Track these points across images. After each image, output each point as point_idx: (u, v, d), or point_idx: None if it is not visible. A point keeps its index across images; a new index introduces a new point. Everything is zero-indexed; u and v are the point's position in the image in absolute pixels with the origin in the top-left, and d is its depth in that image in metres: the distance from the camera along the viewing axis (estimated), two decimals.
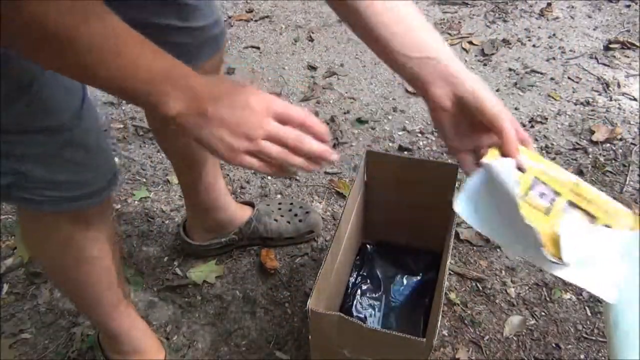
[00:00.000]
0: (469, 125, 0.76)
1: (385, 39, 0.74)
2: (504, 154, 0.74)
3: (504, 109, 0.74)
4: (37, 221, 0.88)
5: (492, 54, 2.14)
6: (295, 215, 1.44)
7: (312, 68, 2.09)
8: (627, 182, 1.60)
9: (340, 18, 0.84)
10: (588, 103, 1.90)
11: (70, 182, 0.77)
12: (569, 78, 2.01)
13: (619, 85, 1.96)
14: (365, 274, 1.32)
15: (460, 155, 0.80)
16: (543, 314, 1.30)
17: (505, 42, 2.20)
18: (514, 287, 1.35)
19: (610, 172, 1.64)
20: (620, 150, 1.71)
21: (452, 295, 1.33)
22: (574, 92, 1.95)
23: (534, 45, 2.18)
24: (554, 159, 1.69)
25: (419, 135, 1.79)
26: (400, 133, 1.80)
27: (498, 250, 1.43)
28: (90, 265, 0.95)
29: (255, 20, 2.39)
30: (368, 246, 1.37)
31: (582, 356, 1.22)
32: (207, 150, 0.65)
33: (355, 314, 1.25)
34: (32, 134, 0.70)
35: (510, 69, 2.06)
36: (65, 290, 1.08)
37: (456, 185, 1.19)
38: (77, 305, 1.13)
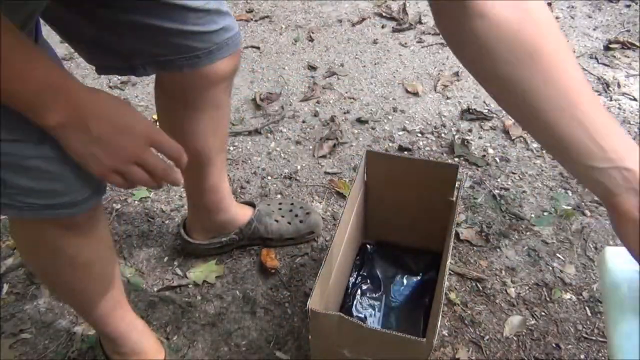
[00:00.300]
0: None
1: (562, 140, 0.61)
2: None
3: None
4: (25, 227, 0.86)
5: None
6: (296, 215, 1.44)
7: (312, 68, 2.09)
8: None
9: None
10: None
11: (48, 191, 0.74)
12: None
13: (619, 85, 1.96)
14: (365, 274, 1.32)
15: None
16: (543, 314, 1.30)
17: None
18: (514, 287, 1.35)
19: None
20: None
21: (452, 295, 1.33)
22: None
23: None
24: (554, 159, 1.69)
25: (419, 135, 1.79)
26: (400, 133, 1.80)
27: (498, 250, 1.43)
28: (82, 272, 0.94)
29: (255, 20, 2.39)
30: (368, 246, 1.37)
31: (582, 356, 1.22)
32: (77, 161, 0.68)
33: (355, 314, 1.25)
34: (4, 142, 0.67)
35: None
36: (58, 295, 1.07)
37: (456, 185, 1.19)
38: (75, 310, 1.12)
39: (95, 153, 0.67)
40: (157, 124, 1.28)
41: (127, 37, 0.93)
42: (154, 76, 1.09)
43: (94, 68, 1.00)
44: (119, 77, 2.03)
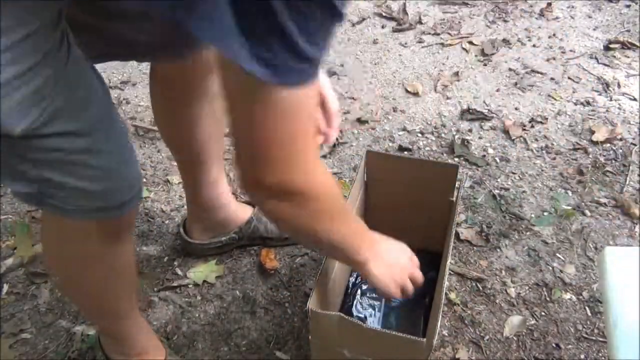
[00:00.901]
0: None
1: None
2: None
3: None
4: (63, 232, 0.86)
5: (492, 54, 2.14)
6: None
7: None
8: (627, 182, 1.60)
9: None
10: (588, 103, 1.90)
11: (97, 192, 0.76)
12: (569, 78, 2.01)
13: (619, 85, 1.96)
14: None
15: None
16: (543, 314, 1.30)
17: (505, 42, 2.20)
18: (514, 287, 1.35)
19: (611, 172, 1.64)
20: (621, 150, 1.71)
21: (452, 295, 1.33)
22: (574, 92, 1.95)
23: (534, 45, 2.18)
24: (554, 159, 1.70)
25: (419, 135, 1.79)
26: (400, 133, 1.80)
27: (498, 250, 1.43)
28: (113, 279, 0.95)
29: None
30: None
31: (582, 356, 1.22)
32: (378, 283, 0.96)
33: (355, 314, 1.25)
34: (51, 137, 0.69)
35: (510, 69, 2.06)
36: (79, 300, 1.07)
37: (456, 185, 1.19)
38: (87, 314, 1.12)
39: (390, 273, 0.96)
40: (154, 119, 1.28)
41: (133, 27, 0.92)
42: None
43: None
44: (119, 77, 2.03)
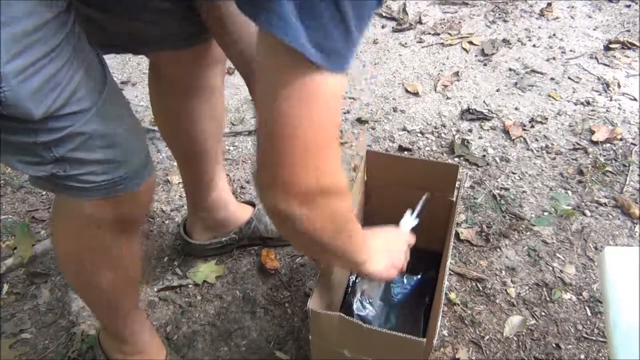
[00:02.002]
0: None
1: None
2: None
3: None
4: (77, 223, 0.87)
5: (492, 54, 2.14)
6: None
7: None
8: (627, 182, 1.60)
9: None
10: (588, 103, 1.90)
11: (110, 161, 0.77)
12: (569, 78, 2.01)
13: (619, 85, 1.96)
14: None
15: None
16: (543, 314, 1.30)
17: (506, 42, 2.20)
18: (514, 287, 1.35)
19: (611, 172, 1.64)
20: (621, 150, 1.71)
21: (452, 295, 1.33)
22: (574, 92, 1.95)
23: (534, 45, 2.18)
24: (554, 159, 1.70)
25: (419, 135, 1.79)
26: (400, 133, 1.80)
27: (498, 250, 1.43)
28: (121, 272, 0.96)
29: None
30: None
31: (582, 356, 1.22)
32: (380, 274, 0.95)
33: (355, 313, 1.25)
34: (67, 116, 0.70)
35: (510, 69, 2.06)
36: (87, 296, 1.07)
37: (456, 185, 1.19)
38: (96, 310, 1.13)
39: (388, 264, 0.97)
40: (153, 116, 1.29)
41: (134, 17, 0.93)
42: None
43: None
44: (119, 77, 2.03)
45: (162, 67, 1.09)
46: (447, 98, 1.94)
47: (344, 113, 1.88)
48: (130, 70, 2.06)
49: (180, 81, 1.09)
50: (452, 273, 1.37)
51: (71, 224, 0.89)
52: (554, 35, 2.23)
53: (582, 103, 1.90)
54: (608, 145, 1.73)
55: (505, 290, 1.35)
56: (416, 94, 1.96)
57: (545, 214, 1.53)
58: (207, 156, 1.23)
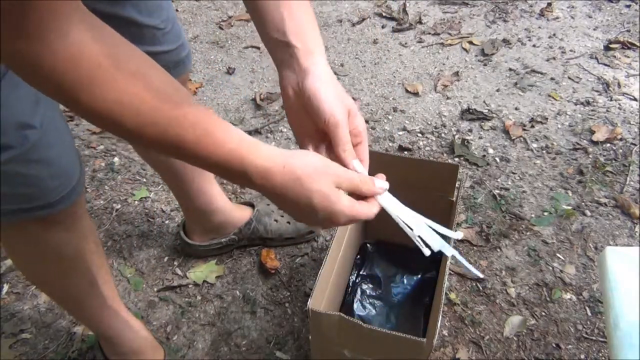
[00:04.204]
0: (308, 116, 0.72)
1: (261, 14, 0.71)
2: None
3: (343, 113, 0.70)
4: (6, 227, 0.86)
5: (492, 54, 2.14)
6: None
7: None
8: (627, 182, 1.60)
9: None
10: (588, 103, 1.90)
11: (23, 195, 0.76)
12: (569, 78, 2.01)
13: (619, 85, 1.96)
14: (365, 273, 1.32)
15: (301, 138, 0.77)
16: (543, 314, 1.30)
17: (506, 42, 2.20)
18: (514, 287, 1.35)
19: (611, 172, 1.64)
20: (621, 150, 1.71)
21: (452, 295, 1.33)
22: (574, 92, 1.95)
23: (534, 45, 2.18)
24: (554, 159, 1.70)
25: (419, 135, 1.79)
26: (400, 133, 1.80)
27: (498, 250, 1.43)
28: (67, 266, 0.94)
29: None
30: (368, 246, 1.37)
31: (582, 356, 1.22)
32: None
33: (355, 313, 1.25)
34: None
35: (510, 69, 2.06)
36: (49, 294, 1.07)
37: (456, 185, 1.19)
38: (64, 307, 1.12)
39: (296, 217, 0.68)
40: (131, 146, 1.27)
41: None
42: None
43: None
44: None
45: None
46: (447, 98, 1.94)
47: None
48: None
49: None
50: (452, 273, 1.37)
51: (6, 235, 0.87)
52: (554, 35, 2.23)
53: (582, 103, 1.90)
54: (608, 145, 1.73)
55: (505, 290, 1.35)
56: (416, 94, 1.96)
57: (545, 214, 1.52)
58: (189, 171, 1.22)
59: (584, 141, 1.75)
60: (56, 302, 1.08)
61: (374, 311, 1.25)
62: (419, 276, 1.31)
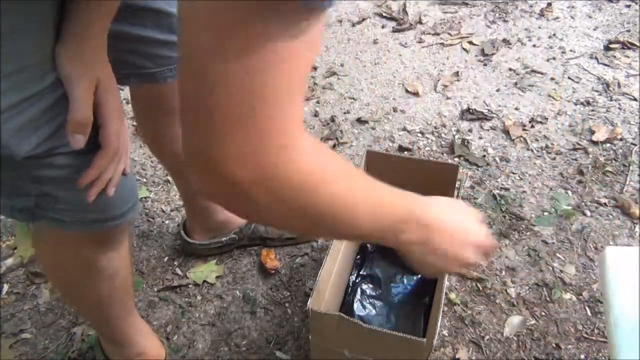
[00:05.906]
0: None
1: None
2: None
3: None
4: (57, 241, 0.87)
5: (492, 54, 2.14)
6: None
7: (312, 68, 2.09)
8: (627, 182, 1.60)
9: None
10: (588, 103, 1.90)
11: (99, 205, 0.77)
12: (569, 78, 2.01)
13: (619, 85, 1.96)
14: (365, 273, 1.32)
15: None
16: (543, 314, 1.30)
17: (506, 42, 2.20)
18: (514, 287, 1.35)
19: (611, 172, 1.64)
20: (621, 150, 1.71)
21: (452, 295, 1.33)
22: (574, 92, 1.95)
23: (534, 45, 2.18)
24: (554, 159, 1.70)
25: (419, 135, 1.79)
26: (400, 133, 1.80)
27: (498, 250, 1.43)
28: (108, 283, 0.96)
29: None
30: (368, 246, 1.37)
31: (582, 356, 1.22)
32: (415, 264, 0.72)
33: (355, 313, 1.25)
34: (57, 156, 0.70)
35: (510, 69, 2.06)
36: (77, 306, 1.08)
37: (456, 185, 1.19)
38: (87, 319, 1.13)
39: (433, 262, 0.71)
40: (138, 129, 1.28)
41: (113, 47, 0.92)
42: None
43: None
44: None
45: (143, 95, 1.09)
46: (447, 98, 1.94)
47: (344, 113, 1.88)
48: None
49: (163, 105, 1.08)
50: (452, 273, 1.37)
51: (50, 242, 0.88)
52: (554, 35, 2.23)
53: (582, 103, 1.90)
54: (608, 145, 1.73)
55: (505, 290, 1.35)
56: (416, 94, 1.96)
57: (545, 214, 1.52)
58: None
59: (584, 141, 1.75)
60: (84, 312, 1.09)
61: (374, 311, 1.25)
62: (419, 276, 1.31)
